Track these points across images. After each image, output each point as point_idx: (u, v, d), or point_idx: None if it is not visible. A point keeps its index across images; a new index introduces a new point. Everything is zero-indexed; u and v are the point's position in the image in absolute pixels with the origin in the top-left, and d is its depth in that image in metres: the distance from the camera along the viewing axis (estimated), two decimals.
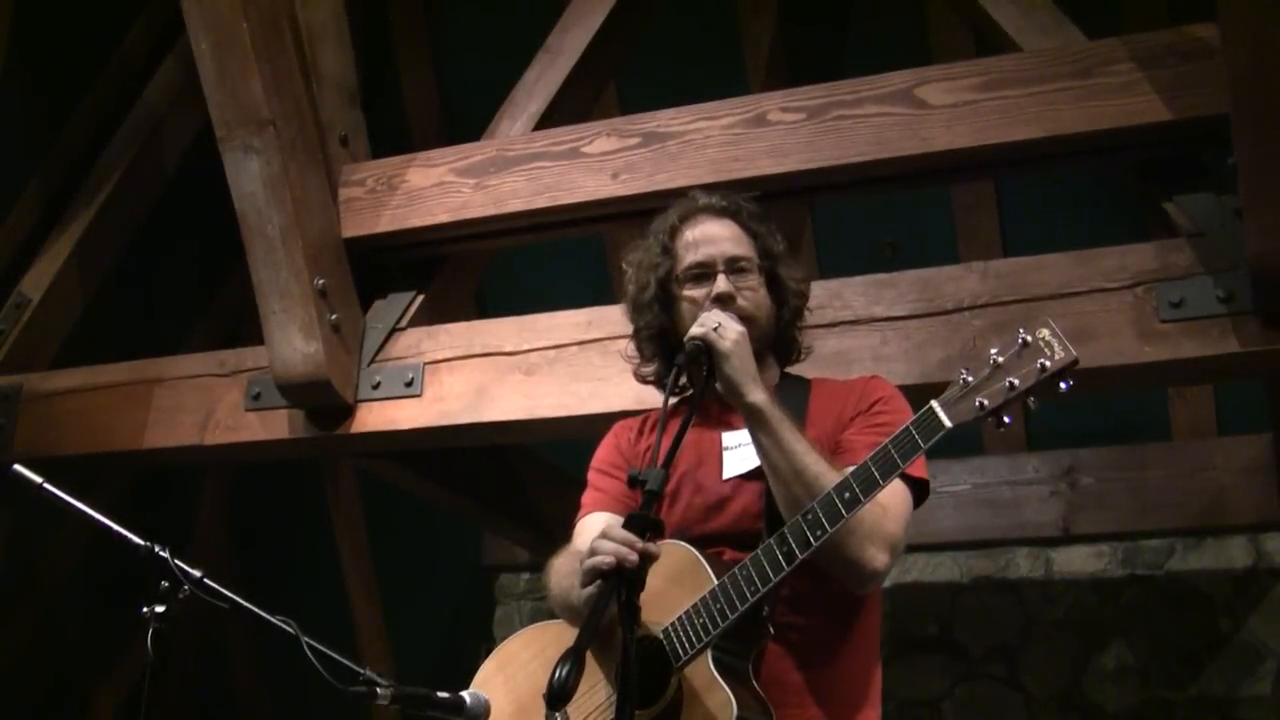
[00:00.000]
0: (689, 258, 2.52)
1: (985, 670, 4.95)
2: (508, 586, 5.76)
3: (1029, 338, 2.08)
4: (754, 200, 2.66)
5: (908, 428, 2.14)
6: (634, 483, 2.10)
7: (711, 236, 2.52)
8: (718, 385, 2.31)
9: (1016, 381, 2.08)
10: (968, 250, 4.84)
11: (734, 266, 2.49)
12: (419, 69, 5.60)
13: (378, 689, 2.26)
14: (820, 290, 3.45)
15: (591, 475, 2.66)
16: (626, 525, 2.04)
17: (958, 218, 4.95)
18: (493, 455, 4.59)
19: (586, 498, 2.62)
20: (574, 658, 1.89)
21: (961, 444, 4.88)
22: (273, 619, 2.36)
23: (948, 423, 2.11)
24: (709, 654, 2.22)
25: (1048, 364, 2.06)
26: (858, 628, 2.40)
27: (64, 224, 4.68)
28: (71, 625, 5.40)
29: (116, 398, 4.19)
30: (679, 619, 2.25)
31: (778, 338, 2.58)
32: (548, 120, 3.88)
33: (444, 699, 2.33)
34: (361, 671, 2.31)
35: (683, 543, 2.33)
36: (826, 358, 3.34)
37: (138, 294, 5.25)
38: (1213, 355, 3.04)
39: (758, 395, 2.29)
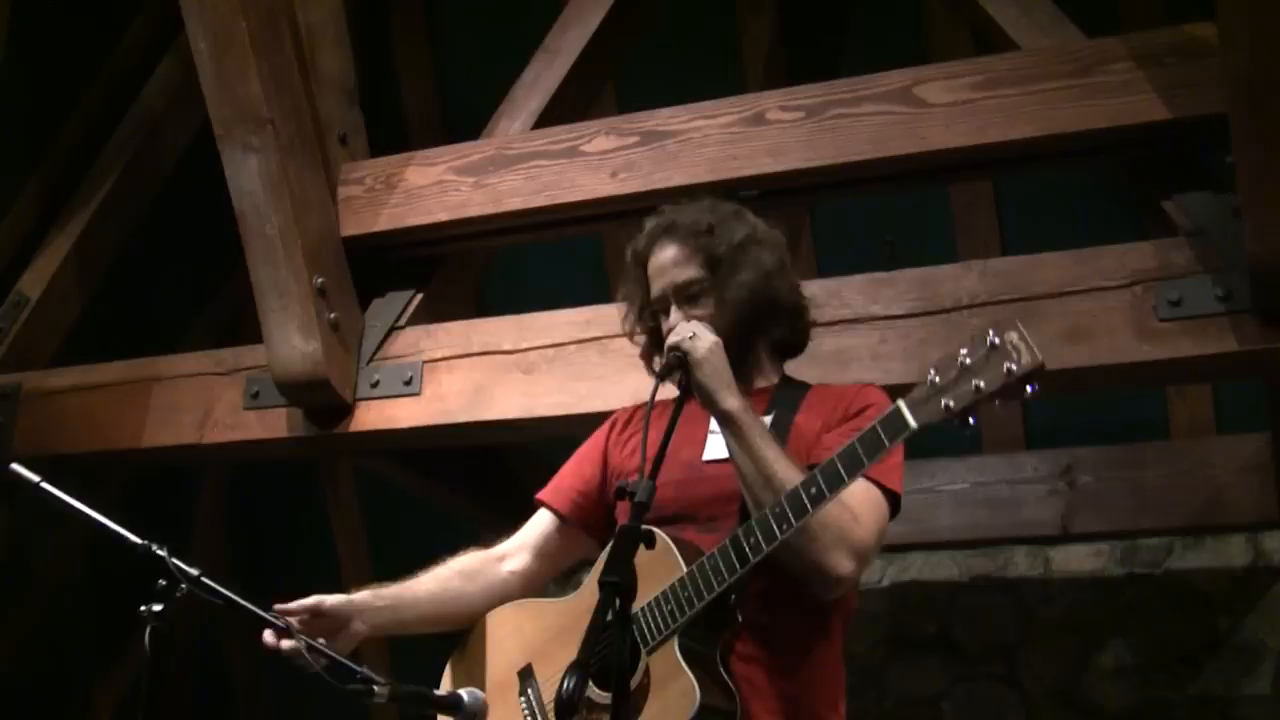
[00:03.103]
0: (651, 292, 2.60)
1: (984, 669, 4.94)
2: None
3: (997, 340, 2.07)
4: (714, 198, 2.70)
5: (874, 426, 2.16)
6: (621, 494, 2.12)
7: (661, 266, 2.58)
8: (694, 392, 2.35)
9: (982, 384, 2.07)
10: (966, 249, 4.84)
11: (683, 295, 2.54)
12: (418, 68, 5.60)
13: (375, 687, 2.27)
14: (819, 289, 3.44)
15: (571, 459, 2.73)
16: (617, 538, 2.05)
17: (956, 216, 4.95)
18: (491, 454, 4.58)
19: (553, 479, 2.72)
20: (580, 671, 1.92)
21: (960, 443, 4.88)
22: (270, 618, 2.37)
23: (913, 423, 2.12)
24: (675, 640, 2.26)
25: (1014, 368, 2.05)
26: (827, 630, 2.43)
27: (62, 222, 4.68)
28: (71, 625, 5.40)
29: (115, 396, 4.19)
30: (649, 605, 2.28)
31: (762, 338, 2.61)
32: (546, 119, 3.88)
33: (441, 697, 2.34)
34: (359, 670, 2.32)
35: (656, 529, 2.32)
36: (825, 356, 3.34)
37: (136, 292, 5.25)
38: (1211, 354, 3.04)
39: (730, 402, 2.33)
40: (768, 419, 2.46)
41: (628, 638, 2.03)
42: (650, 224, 2.65)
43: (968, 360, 2.09)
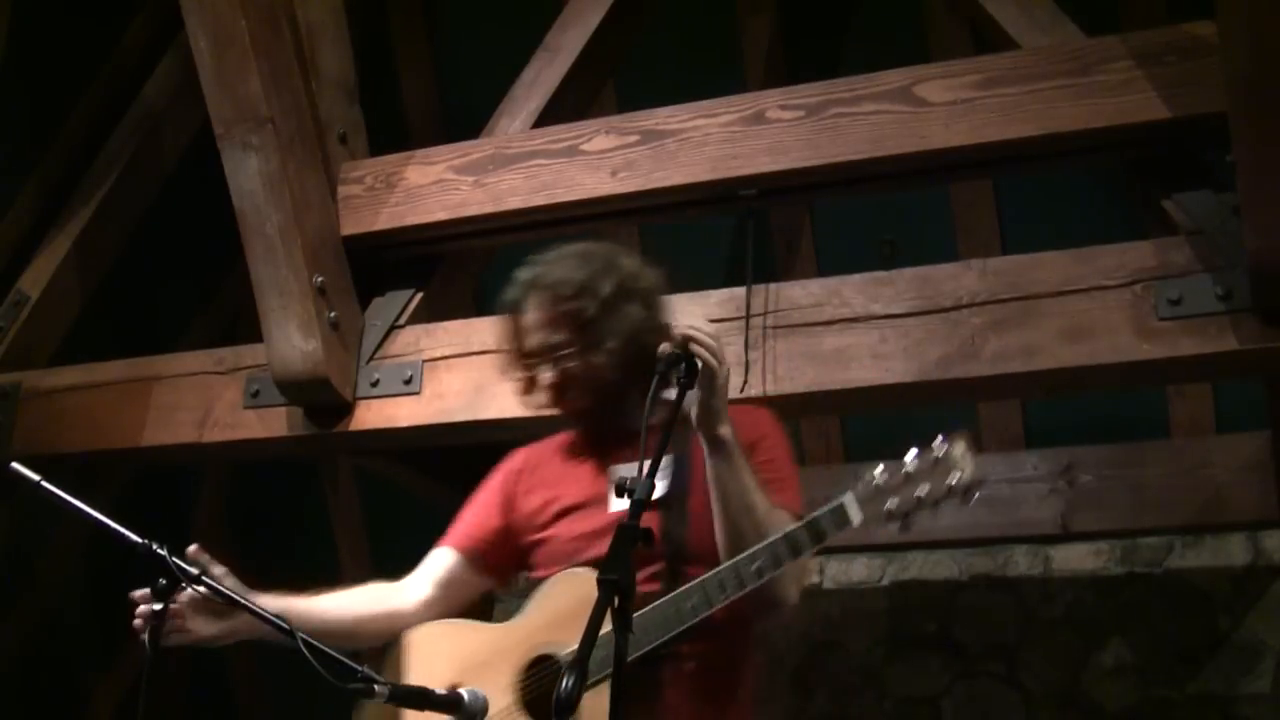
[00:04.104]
0: (524, 344, 2.67)
1: (984, 668, 4.94)
2: None
3: (943, 452, 2.24)
4: (588, 243, 2.73)
5: (819, 516, 2.28)
6: (621, 491, 2.15)
7: (533, 324, 2.64)
8: (693, 407, 2.36)
9: (924, 494, 2.24)
10: (966, 248, 4.83)
11: (551, 354, 2.61)
12: (418, 66, 5.59)
13: (375, 686, 2.27)
14: (819, 288, 3.46)
15: (471, 497, 2.81)
16: (616, 536, 2.07)
17: (956, 215, 4.95)
18: (491, 453, 4.58)
19: (454, 525, 2.78)
20: (579, 669, 1.92)
21: None
22: (270, 617, 2.37)
23: (854, 521, 2.26)
24: (608, 684, 2.30)
25: (955, 483, 2.22)
26: (750, 648, 2.53)
27: (62, 221, 4.67)
28: (71, 625, 5.40)
29: (115, 395, 4.19)
30: None
31: (636, 385, 2.60)
32: (546, 118, 3.88)
33: (441, 696, 2.33)
34: (359, 669, 2.32)
35: (594, 574, 2.40)
36: (825, 356, 3.34)
37: (136, 291, 5.25)
38: (1211, 353, 3.04)
39: (726, 428, 2.38)
40: (666, 457, 2.48)
41: (628, 634, 2.04)
42: (522, 275, 2.68)
43: (912, 468, 2.25)
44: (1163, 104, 3.13)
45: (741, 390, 3.36)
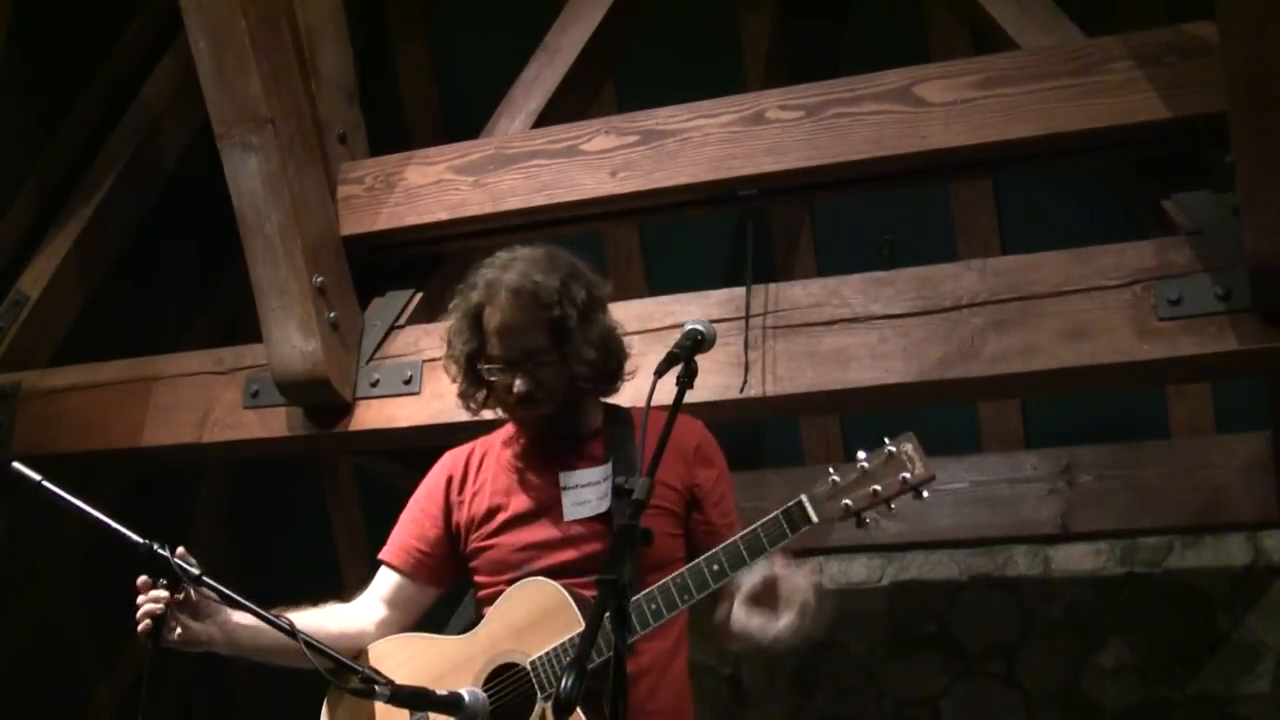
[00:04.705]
0: (491, 348, 2.59)
1: (984, 668, 4.95)
2: None
3: (894, 450, 2.32)
4: (548, 248, 2.69)
5: (778, 516, 2.34)
6: (620, 492, 2.21)
7: (509, 328, 2.56)
8: (779, 625, 2.42)
9: (880, 489, 2.32)
10: (966, 248, 4.83)
11: (530, 359, 2.55)
12: (417, 66, 5.59)
13: (376, 687, 2.27)
14: (818, 288, 3.46)
15: (408, 506, 2.80)
16: (615, 536, 2.08)
17: (956, 215, 4.95)
18: None
19: (393, 533, 2.78)
20: (577, 668, 1.92)
21: (959, 442, 4.88)
22: (271, 617, 2.37)
23: (815, 519, 2.34)
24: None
25: (909, 478, 2.31)
26: (682, 654, 2.60)
27: (62, 221, 4.67)
28: (71, 624, 5.39)
29: (115, 395, 4.19)
30: (547, 654, 2.41)
31: (597, 386, 2.65)
32: (546, 118, 3.89)
33: (441, 697, 2.34)
34: (360, 669, 2.32)
35: (554, 582, 2.47)
36: (825, 356, 3.34)
37: (136, 292, 5.25)
38: (1211, 353, 3.04)
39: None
40: (608, 465, 2.56)
41: (626, 634, 2.03)
42: (490, 275, 2.62)
43: (866, 465, 2.33)
44: (1163, 104, 3.13)
45: (741, 391, 3.36)
